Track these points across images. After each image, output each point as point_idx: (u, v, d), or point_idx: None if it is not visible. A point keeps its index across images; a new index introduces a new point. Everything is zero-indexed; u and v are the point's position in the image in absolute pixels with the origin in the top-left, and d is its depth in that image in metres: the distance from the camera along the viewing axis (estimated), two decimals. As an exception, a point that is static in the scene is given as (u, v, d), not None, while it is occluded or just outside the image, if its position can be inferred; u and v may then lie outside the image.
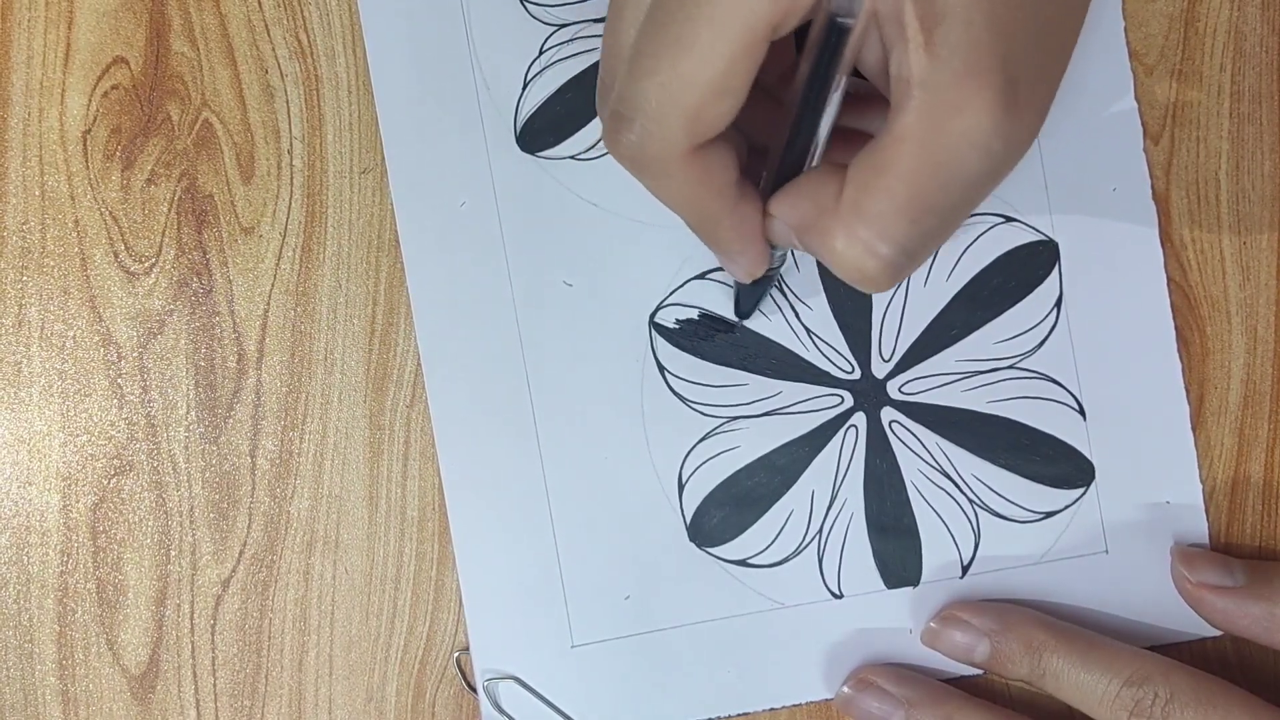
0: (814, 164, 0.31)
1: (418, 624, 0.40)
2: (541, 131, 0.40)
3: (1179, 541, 0.40)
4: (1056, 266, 0.40)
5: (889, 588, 0.40)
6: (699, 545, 0.40)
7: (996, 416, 0.40)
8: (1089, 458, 0.40)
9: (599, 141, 0.40)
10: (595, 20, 0.40)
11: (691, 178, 0.30)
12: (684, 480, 0.40)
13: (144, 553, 0.40)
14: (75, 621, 0.40)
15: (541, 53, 0.40)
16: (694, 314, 0.40)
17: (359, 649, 0.40)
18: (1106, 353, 0.40)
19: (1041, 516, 0.40)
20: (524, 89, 0.40)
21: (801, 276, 0.40)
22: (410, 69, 0.40)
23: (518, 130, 0.40)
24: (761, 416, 0.40)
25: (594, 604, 0.40)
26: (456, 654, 0.40)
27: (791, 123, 0.31)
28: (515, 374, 0.40)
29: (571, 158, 0.40)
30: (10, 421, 0.40)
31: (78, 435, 0.40)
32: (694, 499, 0.40)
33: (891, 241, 0.29)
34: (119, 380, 0.40)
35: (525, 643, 0.40)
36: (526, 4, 0.40)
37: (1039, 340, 0.40)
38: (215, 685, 0.40)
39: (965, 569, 0.40)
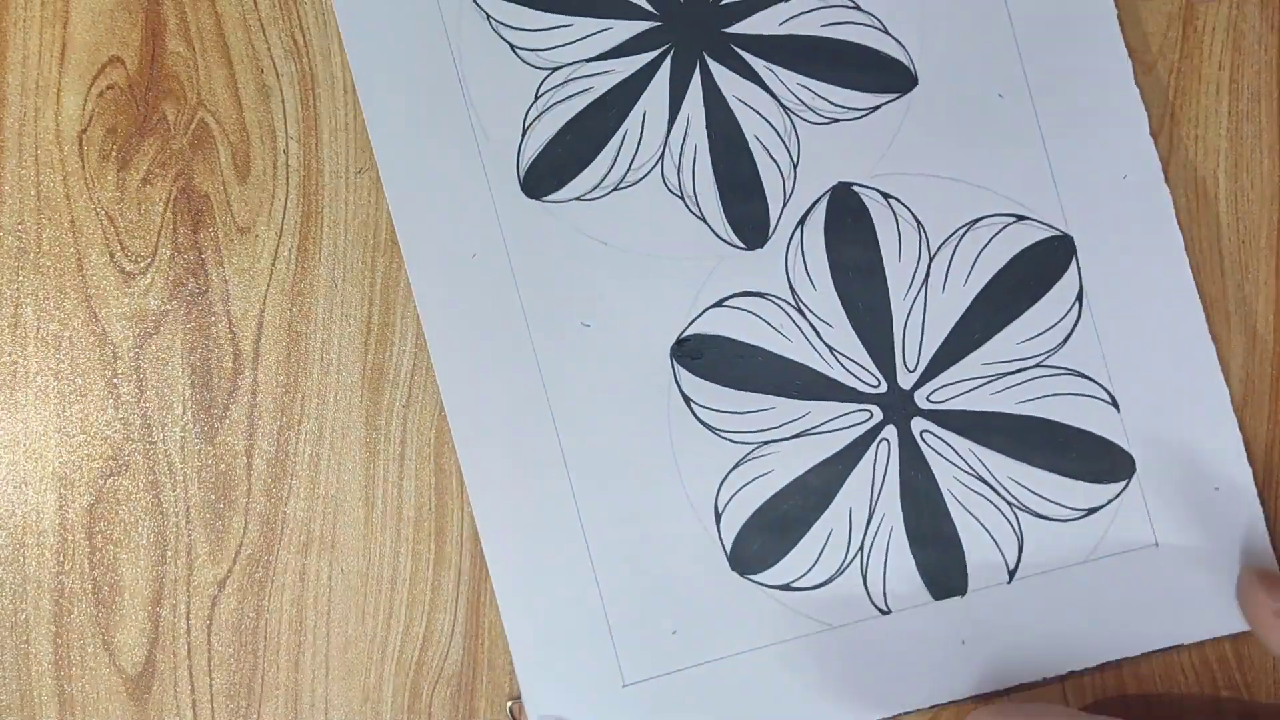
0: None
1: (414, 624, 0.40)
2: (545, 176, 0.40)
3: (1232, 528, 0.39)
4: (1074, 260, 0.40)
5: (936, 599, 0.40)
6: (741, 573, 0.40)
7: (1028, 417, 0.40)
8: (1126, 450, 0.40)
9: (604, 180, 0.40)
10: (587, 60, 0.40)
11: None
12: (720, 509, 0.40)
13: (140, 553, 0.40)
14: (71, 622, 0.40)
15: (537, 98, 0.40)
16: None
17: (355, 649, 0.40)
18: (1134, 341, 0.40)
19: (1084, 514, 0.40)
20: (523, 136, 0.40)
21: (819, 295, 0.40)
22: (407, 125, 0.40)
23: (521, 177, 0.40)
24: (792, 439, 0.40)
25: (641, 641, 0.39)
26: (510, 702, 0.40)
27: None
28: (541, 418, 0.40)
29: (577, 199, 0.40)
30: (6, 422, 0.40)
31: (74, 436, 0.40)
32: (732, 527, 0.40)
33: None
34: (115, 380, 0.40)
35: (577, 685, 0.39)
36: (517, 50, 0.40)
37: (1063, 336, 0.40)
38: (211, 685, 0.40)
39: (1012, 574, 0.40)
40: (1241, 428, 0.40)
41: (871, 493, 0.40)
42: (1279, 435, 0.40)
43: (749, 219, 0.40)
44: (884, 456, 0.40)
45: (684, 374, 0.40)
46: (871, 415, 0.40)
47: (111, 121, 0.40)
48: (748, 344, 0.40)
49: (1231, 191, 0.40)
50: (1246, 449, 0.40)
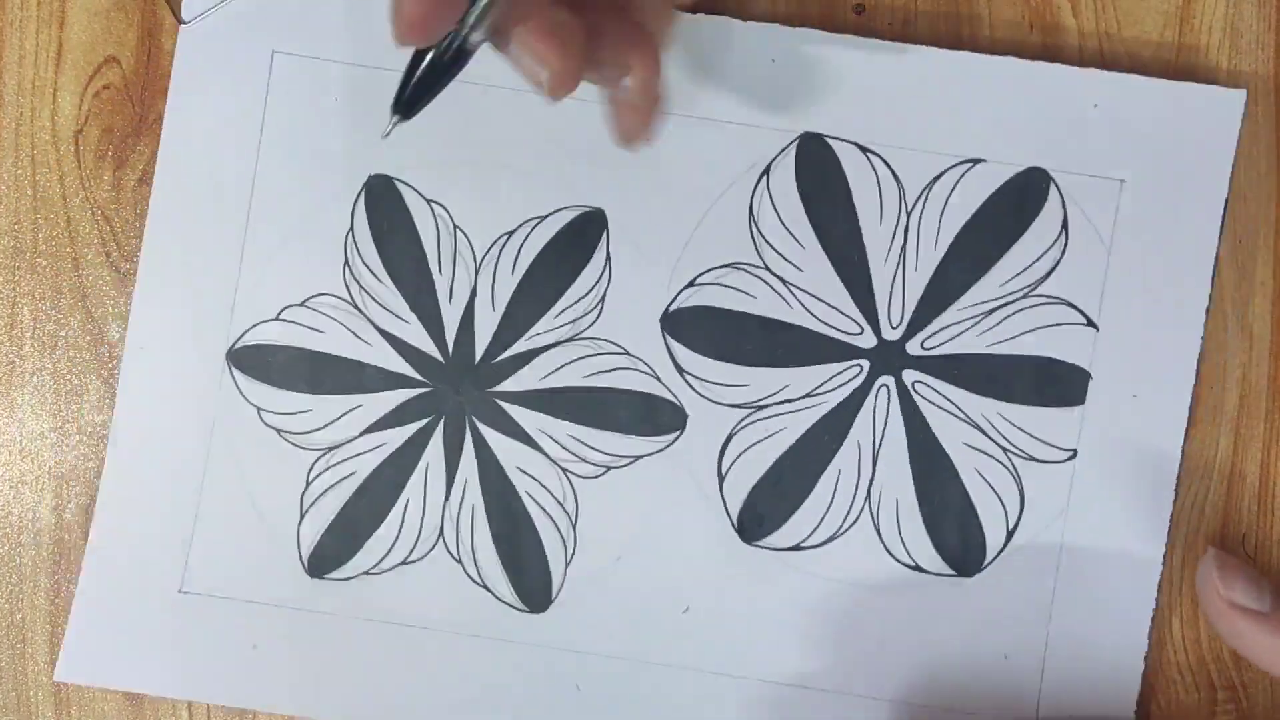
0: None
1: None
2: (329, 557, 0.40)
3: (1150, 439, 0.39)
4: (1053, 187, 0.40)
5: (940, 552, 0.40)
6: (748, 541, 0.40)
7: (1015, 356, 0.40)
8: (1087, 369, 0.40)
9: (387, 555, 0.40)
10: (354, 438, 0.40)
11: None
12: (724, 476, 0.40)
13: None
14: (68, 621, 0.40)
15: (309, 482, 0.40)
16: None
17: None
18: (1128, 275, 0.40)
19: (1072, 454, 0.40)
20: (301, 517, 0.40)
21: (807, 254, 0.40)
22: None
23: (305, 559, 0.40)
24: (787, 403, 0.40)
25: (655, 622, 0.40)
26: None
27: None
28: None
29: (366, 573, 0.40)
30: (2, 421, 0.40)
31: (70, 435, 0.40)
32: (736, 497, 0.40)
33: None
34: (111, 380, 0.40)
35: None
36: (284, 435, 0.40)
37: (1049, 268, 0.40)
38: (207, 685, 0.40)
39: (1011, 533, 0.40)
40: (1239, 429, 0.40)
41: (873, 445, 0.40)
42: (1275, 436, 0.40)
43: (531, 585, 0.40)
44: (883, 409, 0.40)
45: (678, 346, 0.40)
46: (861, 370, 0.40)
47: (107, 121, 0.40)
48: (731, 311, 0.40)
49: (1231, 192, 0.40)
50: (1244, 450, 0.40)
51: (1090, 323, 0.40)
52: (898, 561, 0.40)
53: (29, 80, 0.40)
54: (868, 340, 0.40)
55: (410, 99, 0.32)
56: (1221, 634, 0.38)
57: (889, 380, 0.40)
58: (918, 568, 0.40)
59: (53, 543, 0.40)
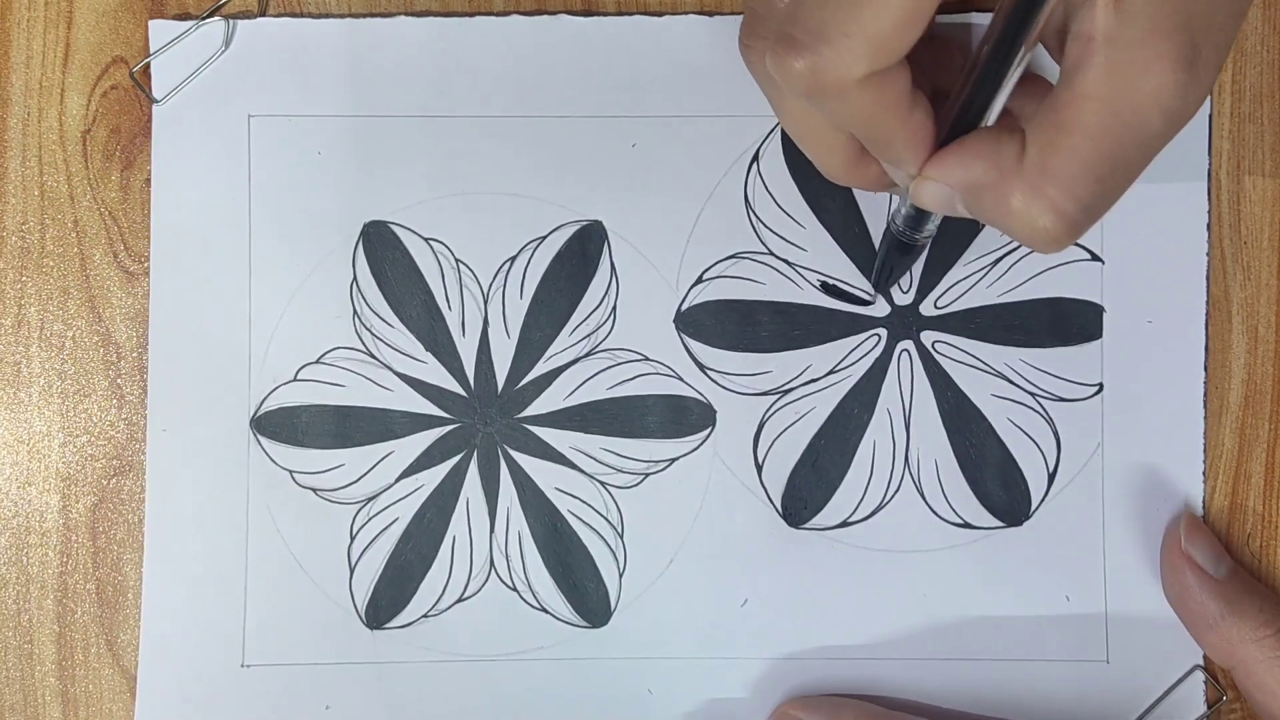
0: (988, 124, 0.31)
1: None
2: (385, 607, 0.40)
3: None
4: None
5: (986, 505, 0.40)
6: (795, 525, 0.40)
7: (1028, 301, 0.40)
8: (1099, 302, 0.40)
9: (443, 594, 0.40)
10: (391, 485, 0.40)
11: (869, 97, 0.30)
12: (761, 465, 0.40)
13: (143, 553, 0.40)
14: (75, 622, 0.40)
15: (354, 536, 0.40)
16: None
17: (359, 649, 0.40)
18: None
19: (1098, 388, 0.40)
20: (351, 572, 0.40)
21: (809, 233, 0.40)
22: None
23: (362, 613, 0.40)
24: (812, 383, 0.40)
25: (713, 619, 0.40)
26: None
27: (974, 79, 0.31)
28: None
29: (424, 616, 0.40)
30: (10, 422, 0.40)
31: (77, 436, 0.40)
32: (776, 483, 0.40)
33: (1077, 200, 0.29)
34: (119, 380, 0.40)
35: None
36: (321, 494, 0.40)
37: None
38: (215, 686, 0.40)
39: (1052, 475, 0.40)
40: (1242, 430, 0.40)
41: (903, 412, 0.40)
42: (1280, 437, 0.40)
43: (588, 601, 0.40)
44: (907, 375, 0.40)
45: (695, 343, 0.40)
46: (880, 339, 0.40)
47: (115, 122, 0.40)
48: (742, 301, 0.40)
49: (1233, 193, 0.40)
50: (1248, 453, 0.40)
51: (1095, 257, 0.40)
52: (946, 522, 0.40)
53: (36, 81, 0.40)
54: (881, 309, 0.40)
55: (886, 284, 0.40)
56: (1165, 584, 0.39)
57: (909, 344, 0.40)
58: (966, 524, 0.40)
59: (60, 543, 0.40)
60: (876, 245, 0.40)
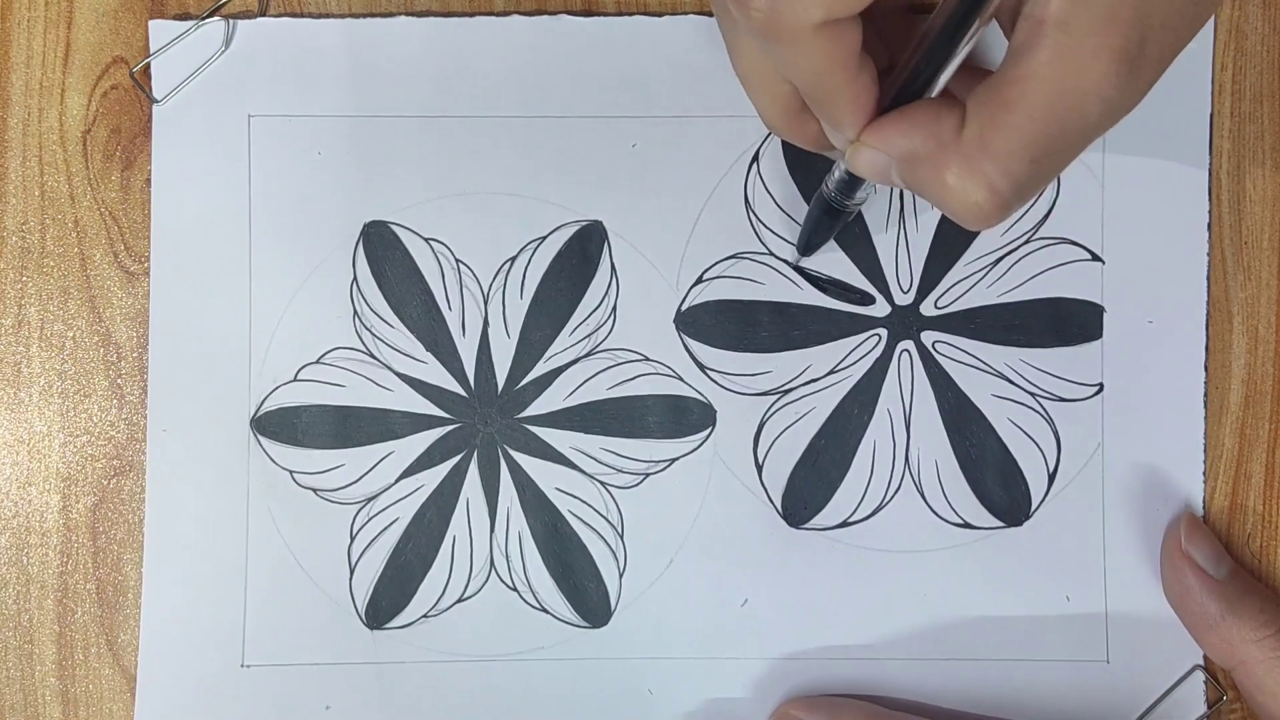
0: (932, 95, 0.31)
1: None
2: (385, 607, 0.40)
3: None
4: None
5: (986, 506, 0.40)
6: (795, 526, 0.40)
7: (1028, 301, 0.40)
8: (1099, 303, 0.40)
9: (443, 594, 0.40)
10: (391, 485, 0.40)
11: (820, 48, 0.30)
12: (761, 465, 0.40)
13: (143, 553, 0.40)
14: (75, 622, 0.40)
15: (354, 536, 0.40)
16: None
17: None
18: (1126, 197, 0.40)
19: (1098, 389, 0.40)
20: (351, 572, 0.40)
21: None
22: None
23: (362, 613, 0.40)
24: (812, 383, 0.40)
25: (717, 620, 0.40)
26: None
27: (924, 50, 0.30)
28: None
29: (425, 616, 0.40)
30: (10, 422, 0.40)
31: (77, 436, 0.40)
32: (777, 484, 0.40)
33: (1011, 179, 0.29)
34: (119, 380, 0.40)
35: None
36: (321, 494, 0.40)
37: (1047, 209, 0.40)
38: (215, 686, 0.40)
39: (1053, 475, 0.40)
40: (1242, 430, 0.40)
41: (903, 411, 0.40)
42: (1281, 437, 0.40)
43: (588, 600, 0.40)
44: (907, 375, 0.40)
45: (695, 344, 0.40)
46: (880, 339, 0.40)
47: (116, 122, 0.40)
48: (742, 301, 0.40)
49: (1233, 193, 0.40)
50: (1248, 453, 0.40)
51: (1095, 257, 0.40)
52: (946, 522, 0.40)
53: (37, 81, 0.40)
54: (882, 308, 0.40)
55: (812, 246, 0.39)
56: (1165, 582, 0.39)
57: (909, 344, 0.40)
58: (966, 525, 0.40)
59: (60, 543, 0.40)
60: (876, 245, 0.40)
